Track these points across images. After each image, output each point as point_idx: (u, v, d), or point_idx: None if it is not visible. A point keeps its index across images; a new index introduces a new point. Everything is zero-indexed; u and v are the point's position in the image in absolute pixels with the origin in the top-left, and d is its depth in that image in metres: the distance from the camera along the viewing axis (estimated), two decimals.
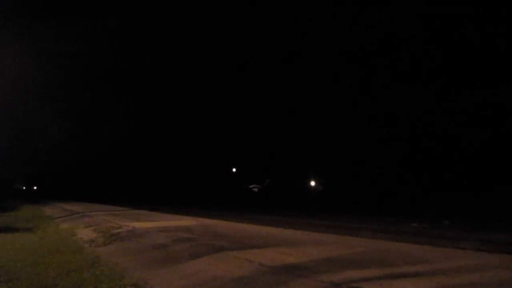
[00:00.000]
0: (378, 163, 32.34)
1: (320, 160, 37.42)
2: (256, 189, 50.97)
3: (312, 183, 39.42)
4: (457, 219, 14.75)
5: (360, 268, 5.35)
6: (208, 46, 65.07)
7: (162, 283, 5.46)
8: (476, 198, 20.45)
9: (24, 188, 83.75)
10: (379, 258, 6.06)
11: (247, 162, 50.76)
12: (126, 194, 54.63)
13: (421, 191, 26.03)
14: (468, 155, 26.65)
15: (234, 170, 54.07)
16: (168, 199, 40.93)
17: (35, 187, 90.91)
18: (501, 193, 19.80)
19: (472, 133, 26.92)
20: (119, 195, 53.27)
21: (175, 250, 7.58)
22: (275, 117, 48.14)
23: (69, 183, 75.03)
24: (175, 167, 57.36)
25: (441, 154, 28.47)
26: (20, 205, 32.62)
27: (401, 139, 31.79)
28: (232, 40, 64.04)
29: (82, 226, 13.75)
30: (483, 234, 10.21)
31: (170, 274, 5.89)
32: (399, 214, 17.28)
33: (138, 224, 12.31)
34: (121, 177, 64.10)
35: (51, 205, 33.63)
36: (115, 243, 9.25)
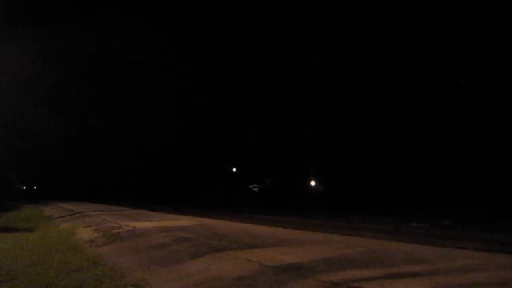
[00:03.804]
0: (378, 163, 32.33)
1: (320, 160, 37.40)
2: (256, 189, 50.92)
3: (312, 183, 39.37)
4: (457, 219, 14.74)
5: (360, 268, 5.35)
6: (209, 44, 65.10)
7: (162, 283, 5.46)
8: (476, 198, 20.45)
9: (24, 188, 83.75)
10: (379, 258, 6.06)
11: (247, 162, 50.71)
12: (126, 194, 54.65)
13: (421, 191, 26.03)
14: (468, 155, 26.64)
15: (234, 170, 54.03)
16: (168, 199, 40.93)
17: (35, 187, 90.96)
18: (501, 193, 19.80)
19: (471, 133, 26.91)
20: (119, 195, 53.29)
21: (175, 250, 7.58)
22: (275, 117, 48.16)
23: (69, 183, 75.07)
24: (175, 167, 57.34)
25: (441, 154, 28.46)
26: (20, 205, 32.65)
27: (401, 139, 31.79)
28: (233, 39, 64.05)
29: (82, 226, 13.76)
30: (483, 234, 10.22)
31: (170, 274, 5.89)
32: (399, 214, 17.28)
33: (138, 224, 12.31)
34: (121, 177, 64.12)
35: (51, 205, 33.63)
36: (115, 243, 9.25)
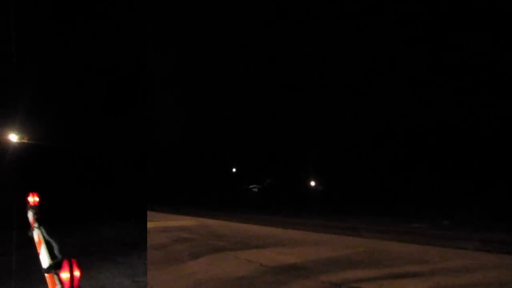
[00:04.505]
0: (378, 163, 32.34)
1: (320, 160, 37.42)
2: (256, 189, 50.90)
3: (312, 183, 39.40)
4: (457, 219, 14.73)
5: (360, 268, 5.35)
6: (209, 45, 65.13)
7: (162, 283, 5.45)
8: (476, 198, 20.44)
9: None
10: (379, 258, 6.07)
11: (247, 162, 50.73)
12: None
13: (421, 191, 26.02)
14: (468, 155, 26.66)
15: (234, 170, 54.03)
16: (168, 199, 40.92)
17: None
18: (501, 193, 19.80)
19: (472, 132, 26.93)
20: None
21: (175, 250, 7.58)
22: (275, 117, 48.17)
23: None
24: (175, 167, 57.35)
25: (441, 154, 28.47)
26: None
27: (401, 139, 31.81)
28: (233, 40, 64.06)
29: None
30: (483, 234, 10.20)
31: (170, 274, 5.89)
32: (399, 214, 17.27)
33: None
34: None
35: None
36: None
